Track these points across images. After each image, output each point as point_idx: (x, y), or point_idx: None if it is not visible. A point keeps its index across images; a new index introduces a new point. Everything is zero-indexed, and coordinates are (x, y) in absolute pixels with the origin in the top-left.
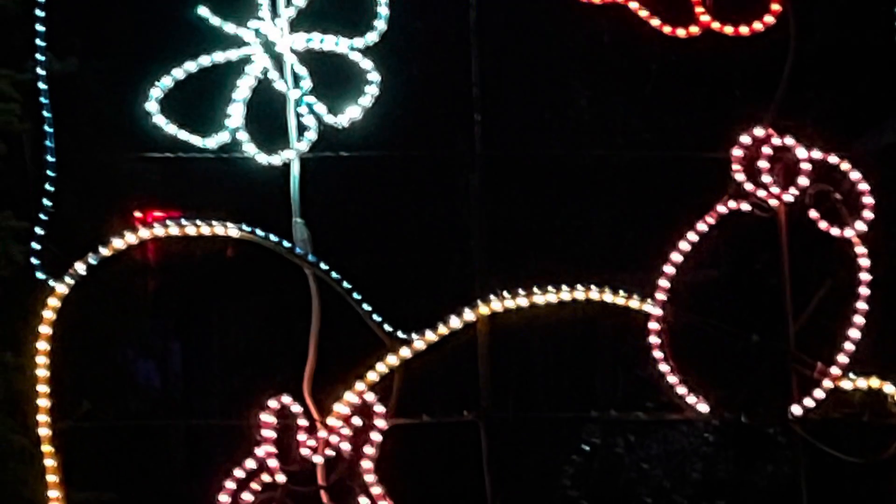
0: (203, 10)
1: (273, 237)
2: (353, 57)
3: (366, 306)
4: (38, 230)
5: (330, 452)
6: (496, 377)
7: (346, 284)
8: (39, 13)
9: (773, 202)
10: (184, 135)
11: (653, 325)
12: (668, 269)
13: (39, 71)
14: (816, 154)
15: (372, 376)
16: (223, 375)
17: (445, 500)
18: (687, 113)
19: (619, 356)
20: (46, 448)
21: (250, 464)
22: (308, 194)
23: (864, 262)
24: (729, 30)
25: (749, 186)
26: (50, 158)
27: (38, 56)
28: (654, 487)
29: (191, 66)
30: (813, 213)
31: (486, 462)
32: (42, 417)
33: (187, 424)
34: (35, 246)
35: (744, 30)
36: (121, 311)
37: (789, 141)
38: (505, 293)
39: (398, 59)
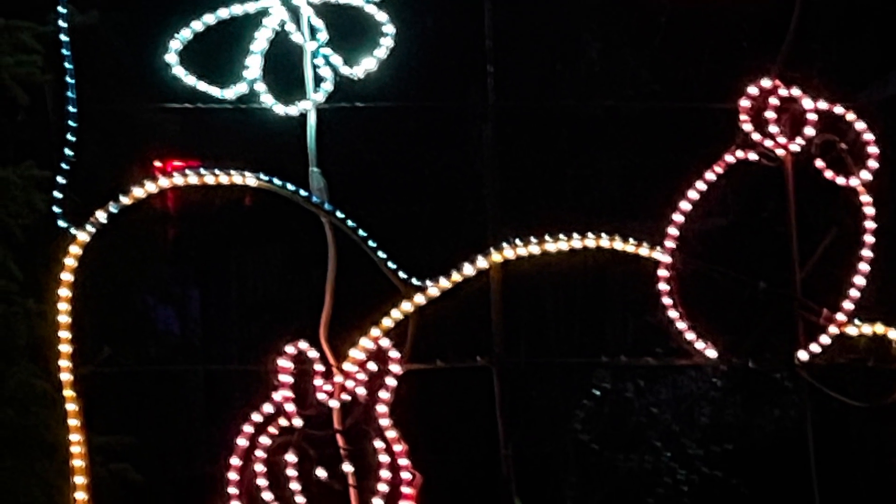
0: None
1: (290, 186)
2: (369, 9)
3: (381, 254)
4: (60, 179)
5: (346, 397)
6: (509, 324)
7: (361, 232)
8: None
9: (779, 152)
10: (202, 86)
11: (662, 273)
12: (677, 218)
13: (61, 23)
14: (822, 105)
15: (387, 322)
16: (241, 322)
17: (459, 444)
18: (695, 64)
19: (629, 303)
20: (68, 393)
21: (268, 408)
22: (324, 144)
23: (869, 210)
24: None
25: (756, 136)
26: (72, 109)
27: (60, 9)
28: (663, 431)
29: (209, 19)
30: (819, 163)
31: (498, 406)
32: (64, 363)
33: (206, 370)
34: (57, 194)
35: None
36: (141, 258)
37: (796, 92)
38: (517, 241)
39: (413, 11)
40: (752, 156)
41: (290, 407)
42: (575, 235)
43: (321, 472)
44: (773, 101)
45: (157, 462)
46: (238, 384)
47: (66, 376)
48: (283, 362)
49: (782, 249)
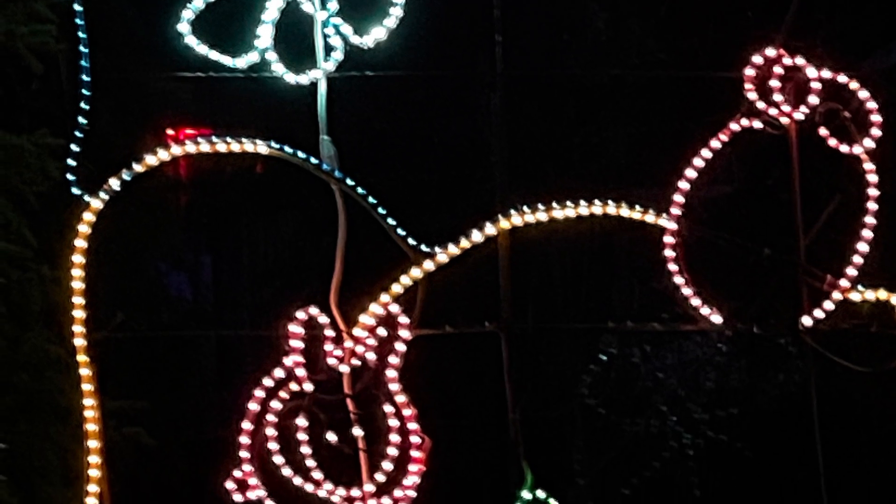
0: None
1: (301, 154)
2: None
3: (390, 220)
4: (74, 147)
5: (356, 362)
6: (516, 289)
7: (371, 199)
8: None
9: (784, 120)
10: (214, 55)
11: (668, 239)
12: (683, 185)
13: None
14: (826, 74)
15: (396, 288)
16: (252, 288)
17: (467, 408)
18: (701, 33)
19: (635, 269)
20: (82, 358)
21: (279, 373)
22: (335, 112)
23: (872, 177)
24: None
25: (761, 105)
26: (85, 78)
27: None
28: (668, 396)
29: None
30: (823, 131)
31: (506, 371)
32: (78, 328)
33: (218, 335)
34: (71, 162)
35: None
36: (154, 225)
37: (800, 61)
38: (525, 208)
39: None
40: (757, 124)
41: (300, 372)
42: (582, 202)
43: (331, 436)
44: (778, 70)
45: (170, 426)
46: (250, 349)
47: (79, 341)
48: (293, 328)
49: (786, 216)
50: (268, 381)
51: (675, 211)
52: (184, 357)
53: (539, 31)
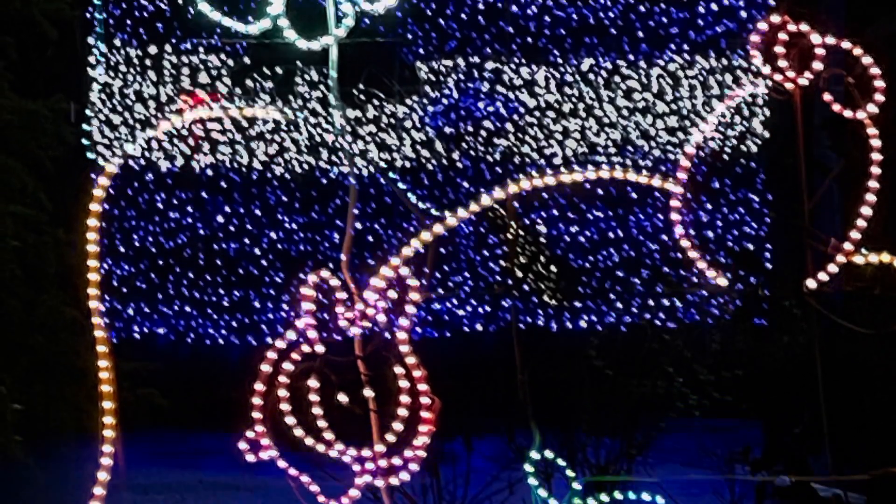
0: None
1: (312, 119)
2: None
3: (401, 185)
4: (89, 112)
5: (367, 324)
6: None
7: (382, 164)
8: None
9: (789, 85)
10: (228, 22)
11: (675, 203)
12: (689, 150)
13: None
14: (830, 40)
15: (407, 251)
16: None
17: (477, 370)
18: None
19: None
20: (96, 320)
21: (291, 335)
22: (345, 78)
23: (876, 142)
24: None
25: (767, 70)
26: (100, 45)
27: None
28: (675, 357)
29: None
30: (827, 96)
31: (515, 333)
32: (92, 291)
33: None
34: (86, 128)
35: None
36: None
37: (805, 27)
38: (534, 172)
39: None
40: (763, 89)
41: (312, 334)
42: (589, 167)
43: (342, 397)
44: (783, 36)
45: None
46: None
47: (94, 304)
48: (306, 291)
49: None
50: (280, 343)
51: (682, 175)
52: None
53: None
